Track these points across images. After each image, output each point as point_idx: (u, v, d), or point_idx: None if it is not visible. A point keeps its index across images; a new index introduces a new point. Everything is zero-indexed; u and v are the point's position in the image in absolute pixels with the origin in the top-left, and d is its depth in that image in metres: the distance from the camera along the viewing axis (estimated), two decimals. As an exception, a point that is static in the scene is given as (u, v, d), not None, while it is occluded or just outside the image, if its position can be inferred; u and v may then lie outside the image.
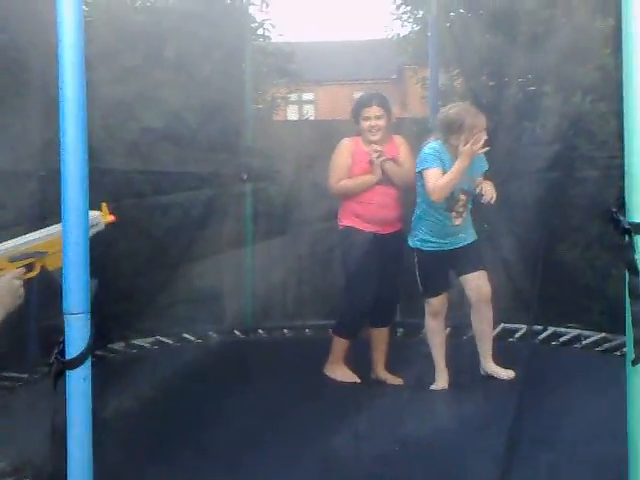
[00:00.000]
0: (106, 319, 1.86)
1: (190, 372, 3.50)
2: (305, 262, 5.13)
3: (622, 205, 1.83)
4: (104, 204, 1.84)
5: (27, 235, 1.75)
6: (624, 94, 1.83)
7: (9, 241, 1.72)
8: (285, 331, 4.82)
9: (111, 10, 4.69)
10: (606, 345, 4.02)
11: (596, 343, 4.13)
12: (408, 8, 8.40)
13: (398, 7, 8.89)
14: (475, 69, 5.44)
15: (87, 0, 4.28)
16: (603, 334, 4.11)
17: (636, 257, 1.77)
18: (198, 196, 4.75)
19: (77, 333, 1.65)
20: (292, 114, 16.87)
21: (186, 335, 4.62)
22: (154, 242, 4.62)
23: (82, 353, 1.63)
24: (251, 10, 5.36)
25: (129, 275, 4.29)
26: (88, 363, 1.65)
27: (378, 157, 3.63)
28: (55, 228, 1.75)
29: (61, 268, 1.69)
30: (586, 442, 2.69)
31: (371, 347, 3.78)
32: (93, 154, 1.83)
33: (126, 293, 4.24)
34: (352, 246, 3.66)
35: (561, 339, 4.28)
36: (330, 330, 3.87)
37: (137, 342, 4.45)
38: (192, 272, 4.69)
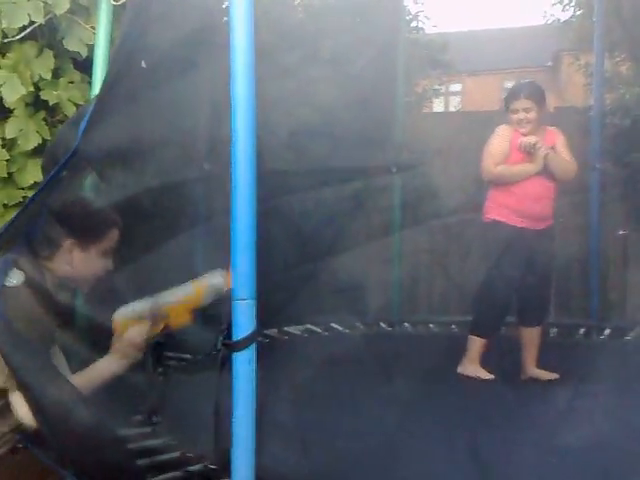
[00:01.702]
0: (262, 307, 1.95)
1: (337, 360, 3.57)
2: (454, 256, 5.05)
3: None
4: (227, 272, 1.80)
5: (158, 295, 1.90)
6: None
7: (139, 302, 1.89)
8: (431, 325, 4.79)
9: (270, 8, 4.87)
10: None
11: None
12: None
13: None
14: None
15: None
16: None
17: None
18: (349, 189, 4.83)
19: (244, 318, 1.74)
20: (439, 106, 16.65)
21: (334, 325, 4.71)
22: (306, 235, 4.76)
23: (248, 336, 1.72)
24: (406, 3, 5.32)
25: (282, 266, 4.45)
26: (253, 347, 1.74)
27: (539, 147, 3.49)
28: (184, 289, 1.90)
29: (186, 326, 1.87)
30: None
31: (522, 347, 3.65)
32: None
33: (279, 283, 4.41)
34: (500, 242, 3.51)
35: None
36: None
37: (289, 329, 4.60)
38: (341, 264, 4.77)
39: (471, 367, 3.59)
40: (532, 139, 3.51)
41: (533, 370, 3.60)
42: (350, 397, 3.24)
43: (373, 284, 5.09)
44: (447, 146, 5.17)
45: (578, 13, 7.57)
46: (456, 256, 5.04)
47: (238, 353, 1.72)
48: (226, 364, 1.75)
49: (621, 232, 4.75)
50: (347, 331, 4.67)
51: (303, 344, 4.37)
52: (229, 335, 1.75)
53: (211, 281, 1.90)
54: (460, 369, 3.62)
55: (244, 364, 1.73)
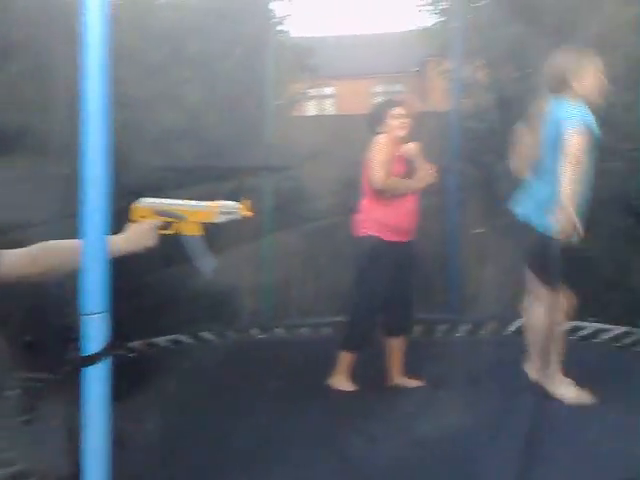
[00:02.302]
0: (124, 318, 1.87)
1: (206, 371, 3.51)
2: (325, 258, 5.11)
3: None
4: (248, 200, 1.95)
5: (177, 200, 1.94)
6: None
7: (159, 199, 1.93)
8: (304, 329, 4.79)
9: (135, 7, 4.72)
10: (628, 340, 3.96)
11: (617, 337, 4.07)
12: (442, 4, 8.33)
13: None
14: (499, 60, 5.37)
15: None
16: (624, 328, 4.03)
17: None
18: (218, 191, 4.75)
19: (95, 332, 1.65)
20: (312, 109, 16.88)
21: (203, 334, 4.60)
22: (172, 239, 4.63)
23: (99, 352, 1.64)
24: (272, 6, 5.33)
25: (146, 274, 4.30)
26: (106, 362, 1.66)
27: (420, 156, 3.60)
28: (202, 202, 1.95)
29: (195, 238, 1.90)
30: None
31: (386, 356, 3.71)
32: (116, 153, 1.84)
33: (143, 292, 4.27)
34: (374, 258, 3.52)
35: (581, 332, 4.22)
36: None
37: (156, 341, 4.45)
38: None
39: (339, 380, 3.59)
40: (415, 145, 3.61)
41: (399, 378, 3.68)
42: (217, 410, 3.19)
43: (244, 289, 5.06)
44: (317, 149, 5.23)
45: (441, 20, 7.92)
46: (327, 259, 5.10)
47: (89, 369, 1.63)
48: (77, 380, 1.65)
49: (477, 230, 4.99)
50: (217, 340, 4.55)
51: (169, 357, 4.20)
52: (80, 350, 1.66)
53: (228, 204, 1.95)
54: (330, 382, 3.60)
55: (95, 380, 1.64)
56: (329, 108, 18.52)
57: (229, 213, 1.94)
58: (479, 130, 5.38)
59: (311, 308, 4.98)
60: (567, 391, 3.13)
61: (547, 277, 3.05)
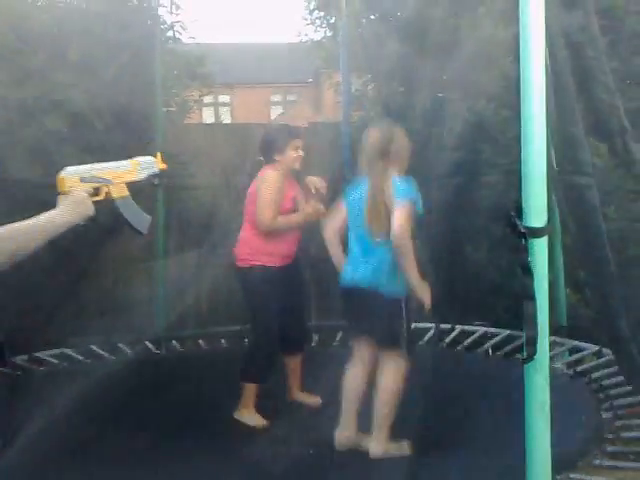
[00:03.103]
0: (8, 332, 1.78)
1: (95, 387, 3.37)
2: (220, 271, 5.05)
3: (519, 209, 1.91)
4: (159, 153, 2.03)
5: (98, 164, 1.94)
6: (521, 101, 1.91)
7: (82, 165, 1.92)
8: (199, 341, 4.72)
9: (10, 9, 4.48)
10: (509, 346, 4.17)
11: (501, 342, 4.27)
12: (321, 14, 8.50)
13: (311, 12, 9.00)
14: (386, 75, 5.54)
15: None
16: (508, 332, 4.25)
17: (530, 260, 1.84)
18: (105, 204, 4.58)
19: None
20: (208, 116, 16.68)
21: (93, 347, 4.41)
22: (61, 251, 4.44)
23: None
24: (161, 12, 5.24)
25: (32, 287, 4.10)
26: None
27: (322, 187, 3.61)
28: (122, 162, 1.97)
29: (125, 199, 1.93)
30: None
31: (286, 373, 3.72)
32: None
33: (29, 305, 4.06)
34: (264, 288, 3.48)
35: (470, 338, 4.42)
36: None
37: (42, 355, 4.24)
38: (101, 283, 4.54)
39: (246, 413, 3.52)
40: (317, 179, 3.62)
41: (298, 394, 3.71)
42: (105, 426, 3.08)
43: (137, 303, 4.91)
44: (209, 158, 5.18)
45: (329, 34, 8.09)
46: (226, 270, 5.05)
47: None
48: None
49: None
50: (107, 354, 4.38)
51: (56, 371, 4.03)
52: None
53: (145, 159, 2.01)
54: (236, 415, 3.52)
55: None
56: (225, 116, 18.39)
57: (148, 168, 2.00)
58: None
59: (205, 321, 4.91)
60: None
61: (394, 341, 3.02)
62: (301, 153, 3.57)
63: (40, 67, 4.33)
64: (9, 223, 1.74)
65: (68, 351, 4.33)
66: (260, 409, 3.51)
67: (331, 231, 3.20)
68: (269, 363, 3.55)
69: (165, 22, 5.29)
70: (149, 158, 2.02)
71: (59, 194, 1.85)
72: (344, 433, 3.05)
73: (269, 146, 3.58)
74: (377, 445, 2.96)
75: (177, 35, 5.48)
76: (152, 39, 4.88)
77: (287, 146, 3.54)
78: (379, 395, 2.99)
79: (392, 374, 2.99)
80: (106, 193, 1.91)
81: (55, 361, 4.23)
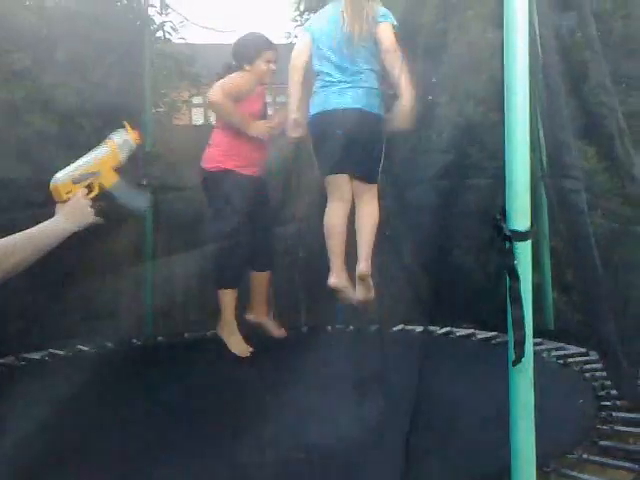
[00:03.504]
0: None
1: (84, 385, 3.34)
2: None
3: (504, 213, 1.92)
4: (126, 123, 2.02)
5: (78, 160, 1.93)
6: (505, 105, 1.92)
7: (67, 167, 1.91)
8: (186, 335, 4.67)
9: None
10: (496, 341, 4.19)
11: (488, 339, 4.29)
12: (310, 16, 8.47)
13: (301, 14, 8.96)
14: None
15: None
16: (495, 333, 4.26)
17: (515, 263, 1.85)
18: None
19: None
20: (197, 117, 16.60)
21: (81, 347, 4.39)
22: (48, 254, 4.40)
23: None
24: (150, 12, 5.21)
25: (18, 288, 4.06)
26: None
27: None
28: (100, 149, 1.96)
29: (117, 184, 1.92)
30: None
31: (251, 291, 3.69)
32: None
33: (16, 306, 4.03)
34: (232, 191, 3.46)
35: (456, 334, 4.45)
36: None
37: (28, 356, 4.21)
38: (89, 285, 4.51)
39: (230, 330, 3.49)
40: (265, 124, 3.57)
41: (262, 317, 3.67)
42: (95, 423, 3.05)
43: (125, 306, 4.89)
44: (198, 159, 5.16)
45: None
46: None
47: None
48: None
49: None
50: (93, 351, 4.35)
51: (43, 370, 4.01)
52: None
53: (119, 138, 1.99)
54: (219, 331, 3.51)
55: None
56: (214, 117, 18.30)
57: (125, 145, 1.98)
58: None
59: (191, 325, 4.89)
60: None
61: (377, 170, 3.03)
62: (272, 67, 3.55)
63: (28, 67, 4.30)
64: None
65: (56, 352, 4.30)
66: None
67: (299, 63, 3.15)
68: (241, 265, 3.53)
69: (154, 22, 5.25)
70: (121, 134, 2.00)
71: (57, 202, 1.87)
72: (338, 278, 3.05)
73: (240, 53, 3.59)
74: (366, 266, 3.01)
75: (167, 35, 5.46)
76: (141, 39, 4.86)
77: (257, 56, 3.53)
78: (367, 227, 3.03)
79: (375, 204, 3.07)
80: (98, 185, 1.92)
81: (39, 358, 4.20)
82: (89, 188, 1.90)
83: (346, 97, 2.98)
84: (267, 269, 3.68)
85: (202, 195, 4.99)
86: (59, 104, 4.35)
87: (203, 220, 4.82)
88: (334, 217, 3.01)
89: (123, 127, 2.03)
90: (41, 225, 1.80)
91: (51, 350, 4.31)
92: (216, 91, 3.41)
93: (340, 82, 3.01)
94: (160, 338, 4.66)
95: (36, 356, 4.23)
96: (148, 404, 3.26)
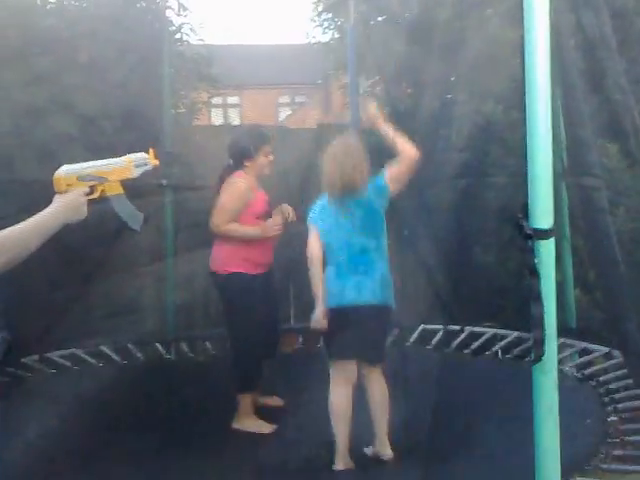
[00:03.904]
0: (20, 332, 1.80)
1: (104, 387, 3.39)
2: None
3: (526, 211, 1.90)
4: (151, 149, 2.03)
5: (93, 161, 1.94)
6: (526, 103, 1.90)
7: (79, 163, 1.92)
8: (206, 343, 4.71)
9: (20, 12, 4.51)
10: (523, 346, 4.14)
11: (512, 343, 4.23)
12: (329, 15, 8.50)
13: (319, 14, 9.01)
14: (394, 77, 5.53)
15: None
16: (517, 333, 4.23)
17: (536, 261, 1.83)
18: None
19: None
20: (217, 118, 16.70)
21: (103, 348, 4.44)
22: (71, 253, 4.46)
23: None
24: (169, 14, 5.26)
25: (43, 287, 4.12)
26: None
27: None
28: (116, 160, 1.97)
29: (119, 197, 1.94)
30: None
31: None
32: (2, 161, 1.77)
33: (41, 306, 4.08)
34: (243, 295, 3.45)
35: (479, 340, 4.38)
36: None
37: (52, 356, 4.26)
38: (110, 284, 4.55)
39: (250, 421, 3.50)
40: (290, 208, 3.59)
41: (259, 399, 3.67)
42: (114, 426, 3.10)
43: (146, 305, 4.93)
44: (218, 159, 5.18)
45: (337, 36, 8.09)
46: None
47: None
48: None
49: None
50: (116, 357, 4.40)
51: (67, 373, 4.05)
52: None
53: (139, 156, 2.01)
54: (236, 424, 3.49)
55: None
56: (234, 118, 18.41)
57: (142, 165, 2.00)
58: (377, 143, 5.52)
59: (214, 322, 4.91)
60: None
61: (384, 353, 3.09)
62: (271, 158, 3.54)
63: (50, 69, 4.35)
64: (17, 223, 1.75)
65: (79, 352, 4.35)
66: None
67: (316, 255, 3.05)
68: (257, 370, 3.53)
69: (173, 24, 5.29)
70: (142, 155, 2.02)
71: (57, 192, 1.86)
72: (343, 463, 2.99)
73: (239, 152, 3.52)
74: (388, 448, 3.01)
75: (185, 37, 5.50)
76: (160, 41, 4.89)
77: (258, 152, 3.50)
78: (382, 404, 3.03)
79: (384, 383, 3.05)
80: (101, 191, 1.93)
81: (66, 363, 4.25)
82: (91, 189, 1.91)
83: (364, 289, 2.96)
84: (272, 357, 3.67)
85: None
86: (80, 106, 4.40)
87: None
88: (341, 399, 3.01)
89: (147, 151, 2.05)
90: (36, 216, 1.78)
91: (74, 350, 4.35)
92: (216, 224, 3.43)
93: (352, 271, 3.00)
94: (181, 343, 4.68)
95: (61, 355, 4.28)
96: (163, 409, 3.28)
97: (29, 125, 4.18)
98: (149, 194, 4.74)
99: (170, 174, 4.81)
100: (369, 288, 2.96)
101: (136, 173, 1.99)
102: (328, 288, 3.01)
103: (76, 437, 2.93)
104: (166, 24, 5.07)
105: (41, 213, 1.80)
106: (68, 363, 4.26)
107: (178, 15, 5.32)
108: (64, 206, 1.83)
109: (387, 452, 3.02)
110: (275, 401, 3.69)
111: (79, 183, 1.88)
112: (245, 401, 3.52)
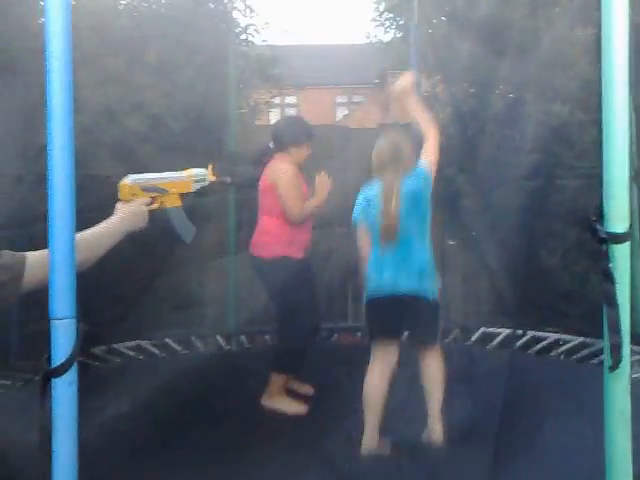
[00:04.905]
0: (90, 323, 1.87)
1: (169, 378, 3.48)
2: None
3: (600, 214, 1.87)
4: (210, 165, 2.10)
5: (156, 173, 2.03)
6: (603, 104, 1.87)
7: (143, 174, 2.00)
8: (266, 337, 4.81)
9: (95, 14, 4.68)
10: (585, 351, 4.06)
11: (575, 348, 4.16)
12: (391, 15, 8.49)
13: (381, 14, 9.01)
14: (456, 76, 5.50)
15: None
16: (581, 339, 4.15)
17: (611, 265, 1.81)
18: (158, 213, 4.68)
19: (63, 339, 1.63)
20: (275, 118, 16.86)
21: (167, 340, 4.57)
22: (138, 248, 4.61)
23: (68, 360, 1.61)
24: (235, 15, 5.36)
25: (112, 280, 4.27)
26: (74, 368, 1.64)
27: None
28: (177, 173, 2.06)
29: (177, 209, 2.01)
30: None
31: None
32: (78, 159, 1.85)
33: (109, 298, 4.23)
34: (290, 278, 3.46)
35: (541, 344, 4.31)
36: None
37: (118, 347, 4.41)
38: (174, 279, 4.68)
39: (280, 400, 3.52)
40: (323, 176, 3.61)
41: (290, 383, 3.67)
42: (178, 418, 3.18)
43: (209, 299, 5.05)
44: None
45: (398, 36, 8.08)
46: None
47: (57, 378, 1.61)
48: (46, 386, 1.63)
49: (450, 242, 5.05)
50: (180, 349, 4.52)
51: (129, 369, 4.16)
52: (49, 357, 1.64)
53: (198, 172, 2.07)
54: (265, 402, 3.51)
55: (64, 387, 1.62)
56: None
57: (200, 181, 2.06)
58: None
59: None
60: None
61: (437, 336, 3.06)
62: (309, 151, 3.60)
63: (121, 70, 4.50)
64: (90, 217, 1.82)
65: (144, 343, 4.49)
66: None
67: (366, 254, 3.07)
68: (302, 354, 3.54)
69: (239, 25, 5.39)
70: (202, 171, 2.09)
71: (120, 200, 1.93)
72: (372, 441, 2.97)
73: (288, 136, 3.57)
74: (440, 432, 2.98)
75: (250, 38, 5.59)
76: (226, 42, 4.99)
77: (305, 142, 3.57)
78: (437, 388, 3.00)
79: (442, 366, 3.02)
80: (161, 202, 2.00)
81: (131, 353, 4.40)
82: (152, 200, 1.98)
83: (401, 280, 2.93)
84: (312, 342, 3.68)
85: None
86: (149, 106, 4.54)
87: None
88: (376, 381, 2.99)
89: (206, 167, 2.12)
90: (101, 225, 1.85)
91: (140, 342, 4.49)
92: (296, 213, 3.47)
93: (393, 262, 2.96)
94: (241, 336, 4.78)
95: (125, 349, 4.42)
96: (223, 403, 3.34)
97: (102, 123, 4.33)
98: (214, 191, 4.87)
99: (234, 172, 4.91)
100: (412, 273, 2.95)
101: (194, 188, 2.06)
102: (369, 272, 3.03)
103: (146, 423, 3.02)
104: (232, 25, 5.16)
105: (108, 220, 1.88)
106: (133, 354, 4.40)
107: (244, 16, 5.41)
108: (129, 215, 1.90)
109: (438, 430, 2.97)
110: (305, 389, 3.67)
111: (142, 193, 1.95)
112: (278, 380, 3.54)
